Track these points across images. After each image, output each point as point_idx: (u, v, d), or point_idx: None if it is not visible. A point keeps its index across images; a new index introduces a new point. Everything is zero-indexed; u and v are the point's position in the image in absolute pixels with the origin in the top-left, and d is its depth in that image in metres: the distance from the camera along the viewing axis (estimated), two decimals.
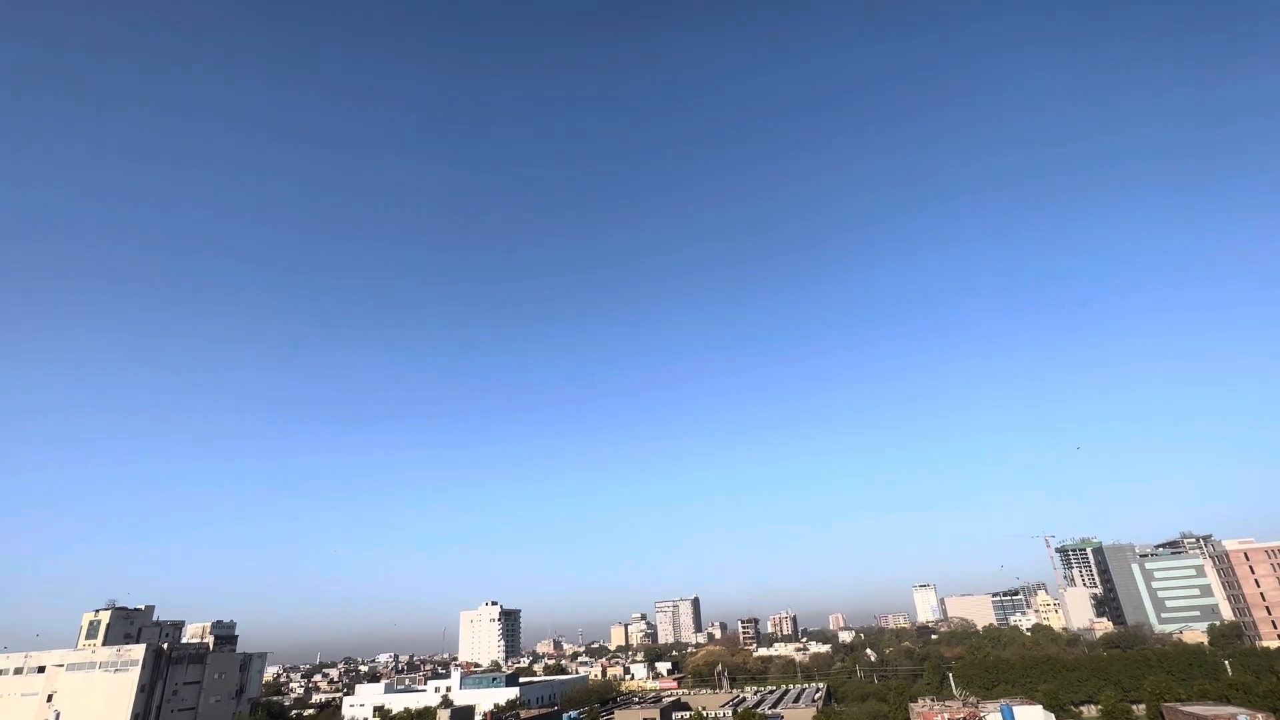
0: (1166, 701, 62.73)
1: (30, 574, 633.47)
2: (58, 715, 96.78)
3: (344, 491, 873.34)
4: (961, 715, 55.27)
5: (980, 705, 63.53)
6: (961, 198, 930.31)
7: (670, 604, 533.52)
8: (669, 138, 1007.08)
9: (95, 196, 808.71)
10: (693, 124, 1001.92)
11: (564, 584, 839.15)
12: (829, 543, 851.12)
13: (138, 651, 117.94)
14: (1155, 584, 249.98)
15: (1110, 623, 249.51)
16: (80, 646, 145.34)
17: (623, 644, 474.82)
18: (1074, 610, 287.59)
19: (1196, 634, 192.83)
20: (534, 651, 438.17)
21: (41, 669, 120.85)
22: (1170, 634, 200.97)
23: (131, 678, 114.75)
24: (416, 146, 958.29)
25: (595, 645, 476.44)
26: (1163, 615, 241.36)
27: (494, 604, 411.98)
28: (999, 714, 56.55)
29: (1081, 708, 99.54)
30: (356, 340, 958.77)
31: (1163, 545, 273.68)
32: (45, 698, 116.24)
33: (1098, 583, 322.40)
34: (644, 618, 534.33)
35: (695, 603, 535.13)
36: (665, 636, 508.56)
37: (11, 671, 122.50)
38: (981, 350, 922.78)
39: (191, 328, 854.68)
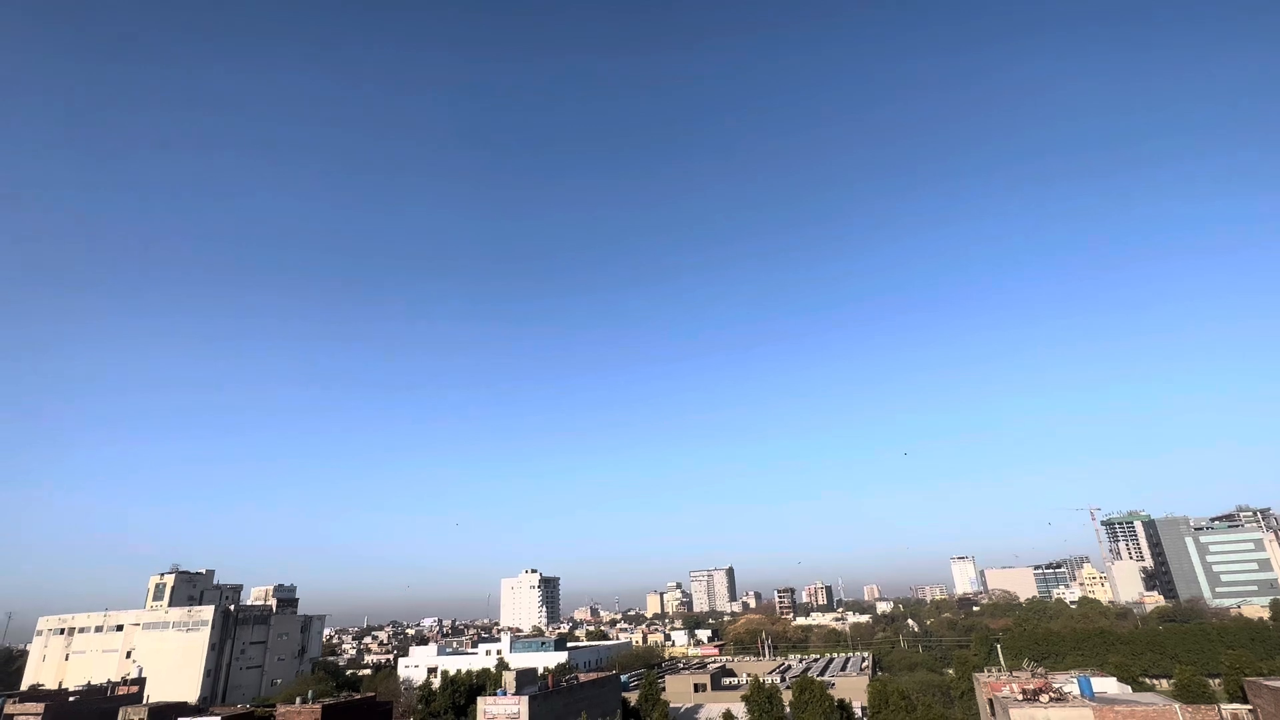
0: (1247, 676, 60.83)
1: (97, 539, 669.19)
2: (140, 669, 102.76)
3: (381, 460, 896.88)
4: (1032, 686, 54.01)
5: (1050, 676, 62.30)
6: (997, 168, 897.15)
7: (705, 573, 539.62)
8: (674, 124, 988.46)
9: (146, 187, 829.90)
10: (697, 111, 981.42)
11: (598, 552, 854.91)
12: (862, 514, 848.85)
13: (207, 612, 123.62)
14: (1210, 558, 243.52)
15: (1161, 597, 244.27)
16: (148, 607, 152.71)
17: (658, 612, 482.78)
18: (1122, 584, 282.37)
19: (1256, 608, 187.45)
20: (572, 618, 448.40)
21: (120, 627, 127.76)
22: (1227, 608, 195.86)
23: (202, 637, 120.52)
24: (444, 133, 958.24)
25: (631, 613, 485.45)
26: (1218, 589, 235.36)
27: (534, 571, 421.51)
28: (1075, 684, 55.32)
29: (1145, 681, 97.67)
30: (395, 312, 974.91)
31: (1218, 518, 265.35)
32: (124, 654, 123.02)
33: (1146, 556, 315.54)
34: (679, 586, 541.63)
35: (730, 572, 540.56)
36: (700, 605, 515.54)
37: (93, 629, 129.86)
38: (1020, 318, 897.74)
39: (239, 306, 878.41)
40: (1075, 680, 56.07)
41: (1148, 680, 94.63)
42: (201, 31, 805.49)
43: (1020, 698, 52.36)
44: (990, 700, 60.11)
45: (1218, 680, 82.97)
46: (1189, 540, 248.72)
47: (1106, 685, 58.25)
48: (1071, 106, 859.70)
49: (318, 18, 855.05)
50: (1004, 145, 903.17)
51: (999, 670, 68.13)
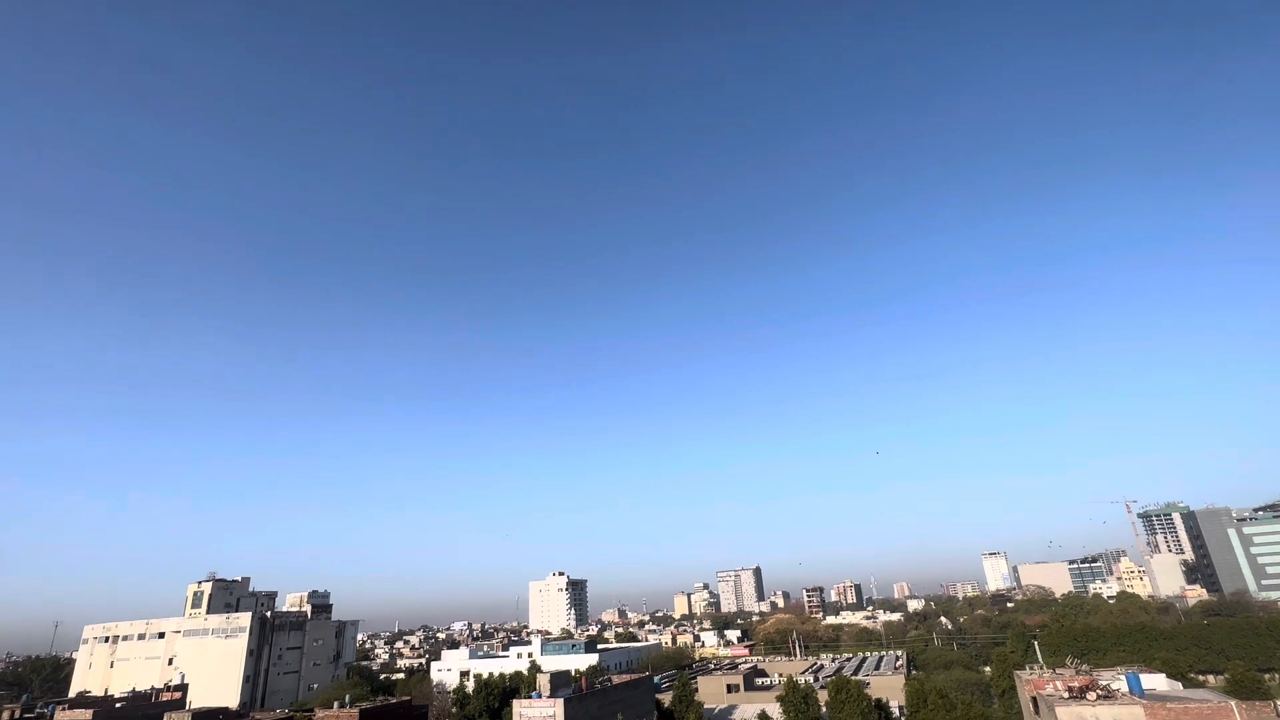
0: None
1: (133, 549, 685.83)
2: (183, 675, 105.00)
3: (408, 466, 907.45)
4: (1077, 683, 52.72)
5: (1095, 673, 60.73)
6: (1046, 164, 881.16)
7: (732, 573, 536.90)
8: (662, 130, 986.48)
9: (216, 195, 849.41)
10: (688, 116, 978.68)
11: (624, 555, 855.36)
12: (888, 511, 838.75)
13: (245, 619, 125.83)
14: (1254, 549, 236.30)
15: (1204, 590, 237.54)
16: (187, 615, 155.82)
17: (686, 612, 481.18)
18: (1162, 577, 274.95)
19: None
20: (600, 620, 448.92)
21: (161, 635, 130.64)
22: (1274, 601, 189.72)
23: (241, 643, 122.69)
24: (418, 135, 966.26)
25: (659, 614, 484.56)
26: (1264, 582, 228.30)
27: (561, 574, 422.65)
28: (1121, 681, 53.92)
29: (1194, 677, 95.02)
30: (419, 321, 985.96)
31: (1261, 509, 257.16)
32: (166, 660, 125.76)
33: (1186, 549, 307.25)
34: (706, 587, 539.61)
35: (757, 572, 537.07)
36: (728, 605, 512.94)
37: (135, 637, 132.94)
38: (1053, 316, 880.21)
39: (266, 314, 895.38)
40: (1121, 677, 54.65)
41: (1196, 676, 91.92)
42: (204, 32, 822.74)
43: (1066, 695, 51.13)
44: (1034, 698, 58.79)
45: (1271, 675, 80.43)
46: (1231, 532, 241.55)
47: (1155, 682, 56.69)
48: (1083, 105, 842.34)
49: (322, 20, 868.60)
50: (1021, 142, 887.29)
51: (1041, 668, 66.70)
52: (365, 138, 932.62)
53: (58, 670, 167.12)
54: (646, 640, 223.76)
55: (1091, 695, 48.71)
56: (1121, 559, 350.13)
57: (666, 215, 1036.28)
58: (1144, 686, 51.76)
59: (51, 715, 79.05)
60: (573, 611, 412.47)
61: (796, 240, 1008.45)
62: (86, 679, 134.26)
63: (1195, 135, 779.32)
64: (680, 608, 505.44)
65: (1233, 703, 43.98)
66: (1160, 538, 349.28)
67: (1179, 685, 58.70)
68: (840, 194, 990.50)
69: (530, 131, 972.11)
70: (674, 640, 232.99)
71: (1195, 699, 47.97)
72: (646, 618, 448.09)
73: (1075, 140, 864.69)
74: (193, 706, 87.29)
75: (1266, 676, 77.88)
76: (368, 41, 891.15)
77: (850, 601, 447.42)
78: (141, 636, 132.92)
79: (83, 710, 78.96)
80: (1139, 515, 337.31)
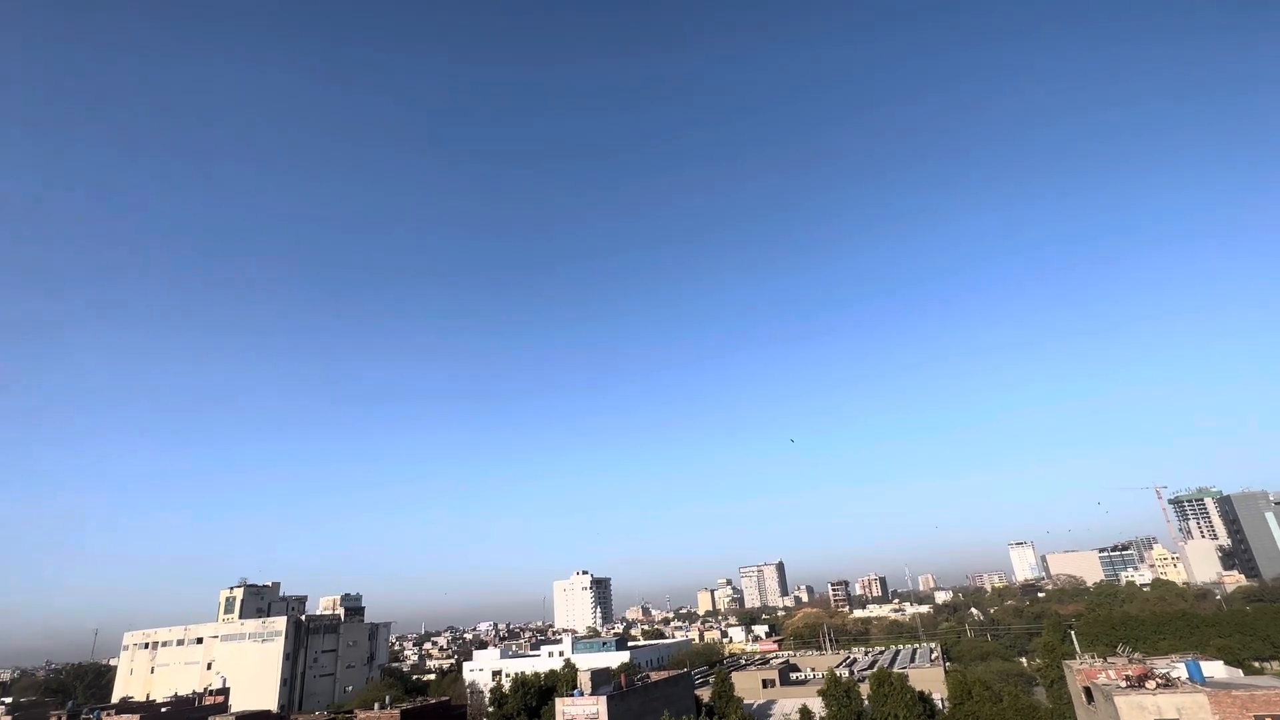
0: None
1: (164, 557, 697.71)
2: (224, 679, 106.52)
3: (428, 468, 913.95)
4: (1132, 672, 51.31)
5: (1148, 661, 59.19)
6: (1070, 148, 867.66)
7: (755, 569, 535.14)
8: (671, 130, 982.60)
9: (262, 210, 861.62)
10: (693, 117, 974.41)
11: (645, 552, 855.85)
12: (909, 503, 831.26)
13: (280, 623, 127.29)
14: None
15: (1242, 576, 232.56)
16: (220, 620, 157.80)
17: (710, 609, 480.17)
18: (1196, 564, 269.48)
19: None
20: (625, 618, 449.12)
21: (199, 640, 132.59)
22: None
23: (277, 647, 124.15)
24: (439, 143, 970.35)
25: (683, 610, 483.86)
26: None
27: (585, 573, 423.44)
28: (1180, 669, 52.47)
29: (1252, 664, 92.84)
30: (438, 327, 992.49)
31: None
32: (205, 665, 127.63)
33: (1220, 534, 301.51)
34: (729, 583, 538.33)
35: (780, 567, 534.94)
36: (751, 601, 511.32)
37: (174, 643, 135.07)
38: (1070, 300, 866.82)
39: (282, 321, 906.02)
40: (1179, 665, 53.18)
41: (1253, 663, 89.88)
42: (202, 35, 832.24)
43: (1124, 684, 49.88)
44: (1087, 688, 57.51)
45: None
46: (1269, 515, 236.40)
47: (1213, 669, 55.16)
48: (1066, 103, 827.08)
49: (320, 26, 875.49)
50: (1013, 141, 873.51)
51: (1091, 657, 65.30)
52: (373, 144, 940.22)
53: (99, 676, 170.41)
54: (674, 637, 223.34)
55: (1150, 684, 47.44)
56: (1154, 546, 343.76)
57: (687, 210, 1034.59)
58: (1205, 672, 50.35)
59: None
60: (597, 610, 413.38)
61: (810, 235, 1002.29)
62: (128, 684, 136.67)
63: (1213, 120, 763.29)
64: (704, 604, 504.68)
65: None
66: (1193, 523, 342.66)
67: (1239, 672, 57.25)
68: (840, 192, 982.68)
69: (524, 135, 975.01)
70: (701, 637, 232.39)
71: (1261, 686, 46.57)
72: (671, 615, 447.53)
73: (1080, 130, 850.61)
74: (234, 710, 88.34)
75: None
76: (396, 53, 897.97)
77: (875, 595, 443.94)
78: (180, 642, 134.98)
79: (129, 715, 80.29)
80: (1170, 501, 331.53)
